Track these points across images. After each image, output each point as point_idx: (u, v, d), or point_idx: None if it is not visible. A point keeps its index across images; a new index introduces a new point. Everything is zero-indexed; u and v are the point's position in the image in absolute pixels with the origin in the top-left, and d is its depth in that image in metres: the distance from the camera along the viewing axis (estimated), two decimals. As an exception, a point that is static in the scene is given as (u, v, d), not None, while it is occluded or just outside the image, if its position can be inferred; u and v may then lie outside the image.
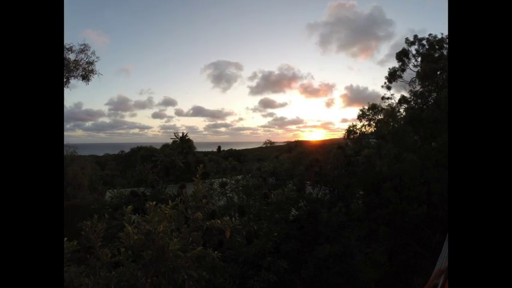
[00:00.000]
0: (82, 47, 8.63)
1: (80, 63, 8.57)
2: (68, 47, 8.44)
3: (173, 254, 2.09)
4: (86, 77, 8.65)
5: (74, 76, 8.54)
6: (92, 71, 8.70)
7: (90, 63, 8.68)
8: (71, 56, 8.52)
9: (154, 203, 2.19)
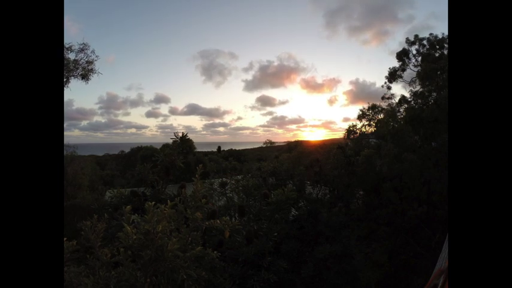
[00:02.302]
0: (81, 46, 8.65)
1: (80, 62, 8.58)
2: (67, 46, 8.45)
3: (172, 253, 2.09)
4: (85, 76, 8.67)
5: (73, 76, 8.55)
6: (91, 70, 8.72)
7: (90, 62, 8.70)
8: (71, 56, 8.53)
9: (153, 203, 2.20)
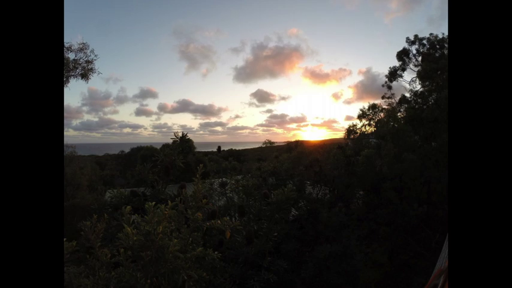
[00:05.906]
0: (81, 46, 8.64)
1: (79, 62, 8.58)
2: (67, 46, 8.46)
3: (173, 254, 2.09)
4: (85, 76, 8.68)
5: (73, 75, 8.55)
6: (91, 70, 8.72)
7: (89, 62, 8.70)
8: (70, 55, 8.53)
9: (154, 203, 2.19)
